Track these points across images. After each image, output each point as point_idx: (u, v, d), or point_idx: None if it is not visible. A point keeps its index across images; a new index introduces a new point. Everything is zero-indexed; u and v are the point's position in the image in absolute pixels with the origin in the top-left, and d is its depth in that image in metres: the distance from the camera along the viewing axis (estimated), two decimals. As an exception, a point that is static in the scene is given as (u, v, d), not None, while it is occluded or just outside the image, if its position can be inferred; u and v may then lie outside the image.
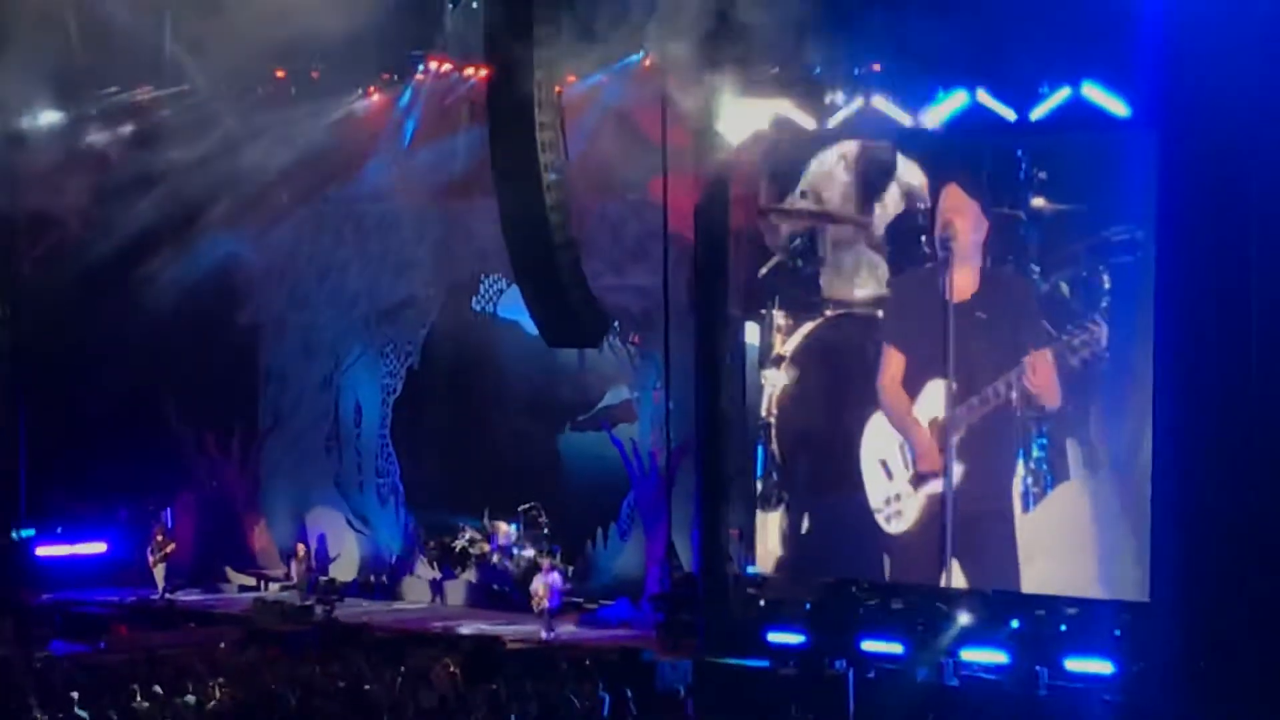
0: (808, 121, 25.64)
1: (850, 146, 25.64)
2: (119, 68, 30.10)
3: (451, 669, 22.62)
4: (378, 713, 20.11)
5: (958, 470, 24.65)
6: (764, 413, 26.53)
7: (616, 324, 28.44)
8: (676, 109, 25.45)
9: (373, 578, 31.83)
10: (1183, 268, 21.10)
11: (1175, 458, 21.07)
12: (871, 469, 25.45)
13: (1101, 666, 22.14)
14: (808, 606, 24.86)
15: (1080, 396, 23.67)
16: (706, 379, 25.97)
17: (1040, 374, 23.84)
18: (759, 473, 26.59)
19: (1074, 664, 22.39)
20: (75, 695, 20.07)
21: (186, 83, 30.43)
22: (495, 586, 30.07)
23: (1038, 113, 23.65)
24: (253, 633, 27.03)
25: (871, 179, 25.48)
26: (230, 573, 33.00)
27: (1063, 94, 23.33)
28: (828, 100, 25.37)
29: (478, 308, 31.37)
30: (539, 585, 27.55)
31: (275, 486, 33.55)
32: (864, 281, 25.65)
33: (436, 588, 30.93)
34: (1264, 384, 20.61)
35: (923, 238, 24.93)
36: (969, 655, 23.19)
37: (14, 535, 32.01)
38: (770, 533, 26.47)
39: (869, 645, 23.77)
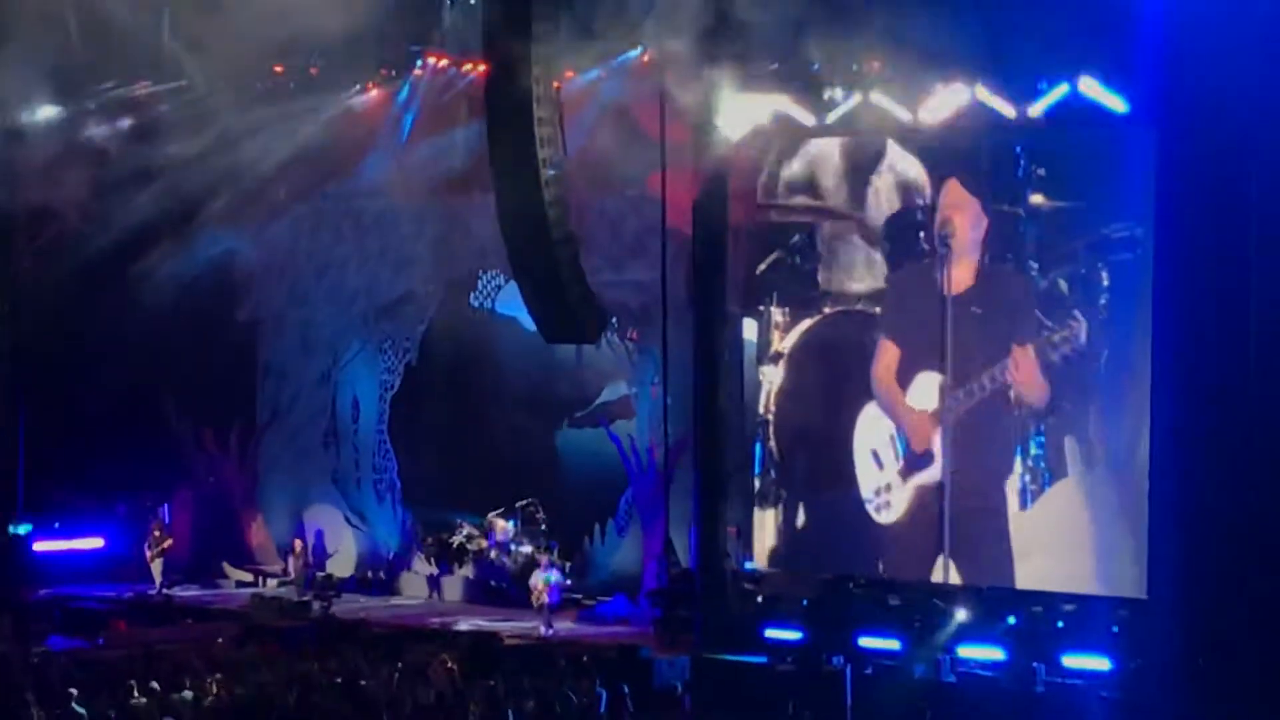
0: (806, 118, 25.61)
1: (849, 143, 25.63)
2: (117, 63, 30.07)
3: (449, 665, 22.60)
4: (375, 709, 20.10)
5: (946, 463, 24.69)
6: (762, 409, 26.52)
7: (614, 320, 28.42)
8: (675, 105, 25.45)
9: (370, 574, 31.83)
10: (1181, 265, 21.10)
11: (1173, 455, 21.08)
12: (863, 459, 25.50)
13: (1099, 663, 22.14)
14: (805, 603, 24.87)
15: (1078, 394, 23.67)
16: (704, 375, 25.97)
17: (1023, 369, 23.91)
18: (757, 469, 26.59)
19: (1071, 660, 22.39)
20: (74, 692, 20.05)
21: (185, 78, 30.40)
22: (493, 583, 30.06)
23: (1036, 109, 23.63)
24: (250, 629, 27.02)
25: (866, 175, 25.48)
26: (228, 568, 32.99)
27: (1061, 90, 23.31)
28: (826, 96, 25.33)
29: (476, 304, 31.37)
30: (538, 581, 27.55)
31: (273, 482, 33.55)
32: (862, 277, 25.65)
33: (434, 584, 30.92)
34: (1262, 381, 20.61)
35: (921, 234, 24.93)
36: (966, 652, 23.20)
37: (12, 530, 31.99)
38: (767, 529, 26.48)
39: (866, 642, 23.77)
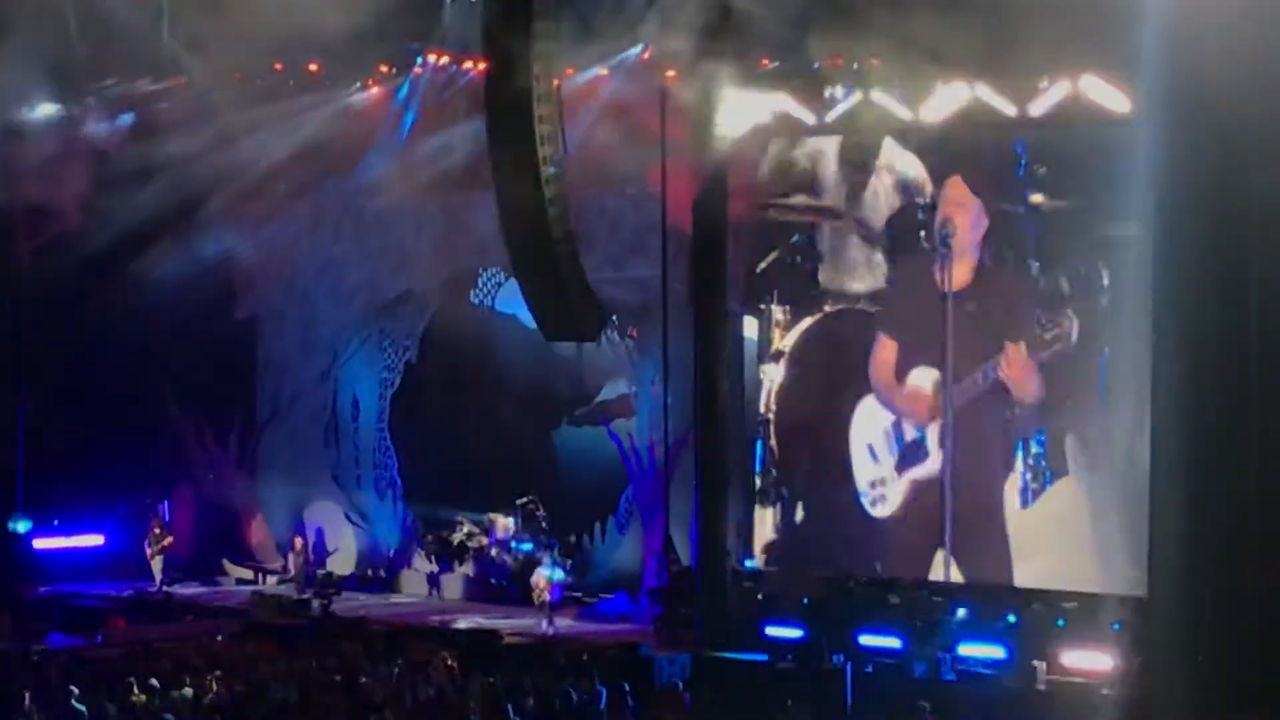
0: (807, 116, 25.61)
1: (849, 141, 25.63)
2: (117, 60, 30.07)
3: (449, 662, 22.62)
4: (375, 706, 20.10)
5: (940, 458, 24.72)
6: (762, 408, 26.53)
7: (614, 318, 28.42)
8: (675, 102, 25.45)
9: (370, 571, 31.84)
10: (1182, 264, 21.04)
11: (1174, 453, 21.03)
12: (859, 452, 25.54)
13: (1099, 661, 22.13)
14: (805, 601, 24.88)
15: (1078, 392, 23.68)
16: (705, 373, 25.98)
17: (1014, 366, 23.97)
18: (757, 467, 26.60)
19: (1071, 658, 22.38)
20: (74, 690, 20.05)
21: (185, 75, 30.39)
22: (493, 580, 30.07)
23: (1037, 108, 23.64)
24: (250, 626, 27.04)
25: (867, 173, 25.48)
26: (228, 566, 33.01)
27: (1063, 89, 23.32)
28: (827, 94, 25.35)
29: (476, 301, 31.37)
30: (540, 579, 27.54)
31: (273, 480, 33.54)
32: (863, 277, 25.67)
33: (434, 581, 30.92)
34: (1262, 380, 20.57)
35: (922, 232, 24.94)
36: (967, 650, 23.20)
37: (11, 528, 31.98)
38: (766, 525, 26.50)
39: (867, 640, 23.78)
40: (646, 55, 26.76)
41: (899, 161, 25.22)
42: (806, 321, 26.26)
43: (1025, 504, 24.13)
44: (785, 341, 26.43)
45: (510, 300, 29.61)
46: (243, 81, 30.33)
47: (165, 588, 31.05)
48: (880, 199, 25.47)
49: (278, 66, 30.17)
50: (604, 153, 27.60)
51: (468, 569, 30.55)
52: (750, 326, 26.68)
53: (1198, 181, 20.39)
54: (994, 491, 24.28)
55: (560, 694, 20.98)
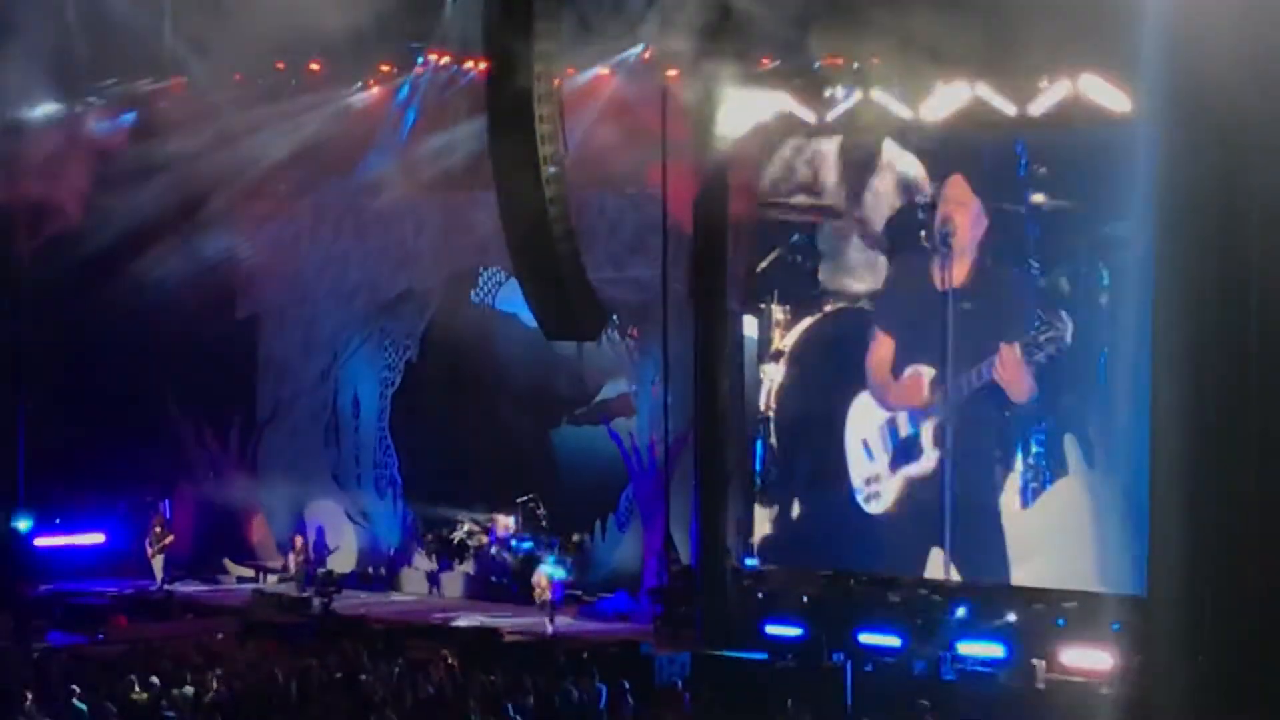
0: (807, 115, 25.62)
1: (849, 141, 25.64)
2: (119, 58, 30.08)
3: (449, 661, 22.63)
4: (375, 704, 20.11)
5: (935, 456, 24.77)
6: (763, 407, 26.55)
7: (615, 317, 28.43)
8: (676, 102, 25.45)
9: (371, 570, 31.85)
10: (1182, 263, 21.07)
11: (1174, 453, 21.06)
12: (854, 449, 25.57)
13: (1099, 661, 22.14)
14: (805, 600, 24.89)
15: (1078, 392, 23.70)
16: (705, 373, 25.99)
17: (1009, 368, 23.99)
18: (758, 466, 26.62)
19: (1071, 658, 22.39)
20: (75, 689, 20.06)
21: (186, 74, 30.42)
22: (493, 579, 30.08)
23: (1038, 107, 23.65)
24: (251, 625, 27.05)
25: (868, 173, 25.49)
26: (229, 564, 33.01)
27: (1063, 88, 23.33)
28: (827, 94, 25.35)
29: (477, 300, 31.37)
30: (541, 577, 27.54)
31: (274, 478, 33.52)
32: (863, 276, 25.68)
33: (434, 580, 30.93)
34: (1262, 380, 20.60)
35: (922, 232, 24.95)
36: (966, 649, 23.21)
37: (13, 526, 32.00)
38: (766, 525, 26.52)
39: (866, 638, 23.80)
40: (647, 55, 26.77)
41: (899, 161, 25.23)
42: (807, 321, 26.27)
43: (1025, 504, 24.14)
44: (785, 341, 26.44)
45: (511, 299, 29.62)
46: (244, 81, 30.35)
47: (166, 586, 31.05)
48: (881, 198, 25.48)
49: (279, 66, 30.19)
50: (604, 152, 27.60)
51: (468, 567, 30.56)
52: (750, 326, 26.69)
53: (1198, 181, 20.42)
54: (988, 490, 24.31)
55: (560, 693, 20.99)
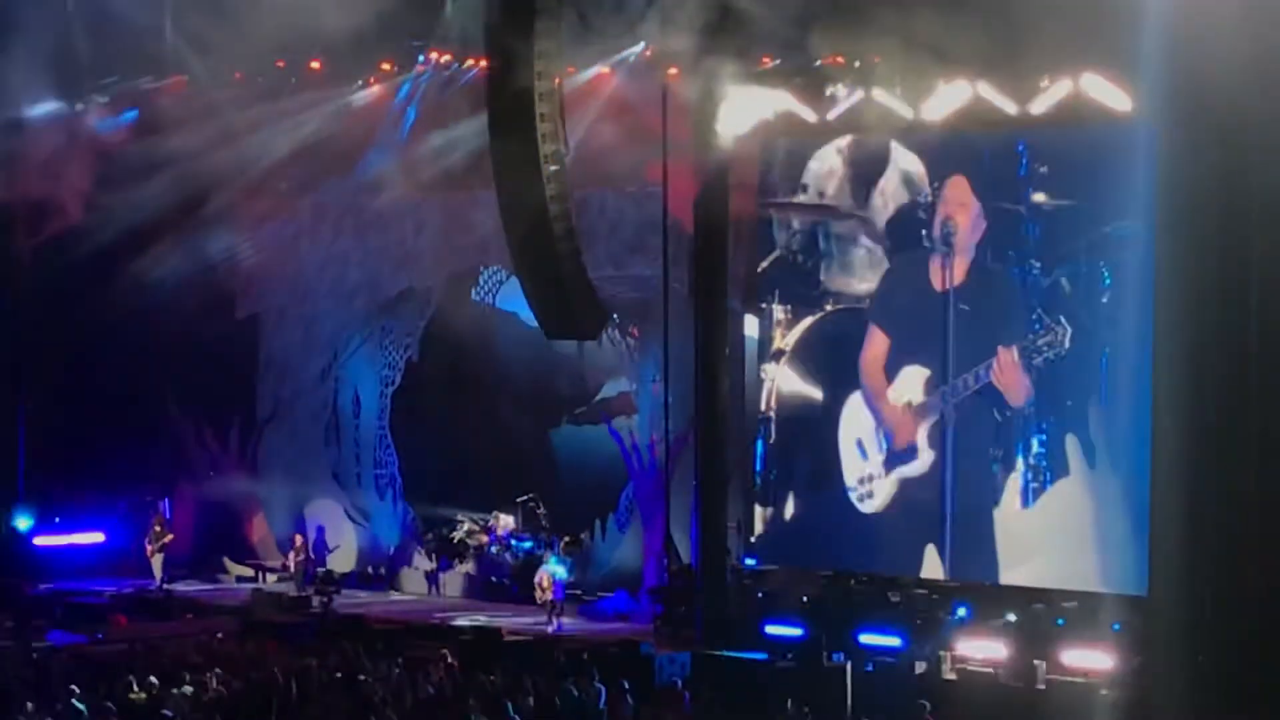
0: (809, 114, 25.60)
1: (851, 140, 25.62)
2: (120, 57, 30.09)
3: (449, 660, 22.61)
4: (375, 704, 20.08)
5: (929, 457, 24.74)
6: (763, 406, 26.53)
7: (615, 316, 28.41)
8: (677, 101, 25.43)
9: (370, 569, 31.83)
10: (1183, 263, 21.05)
11: (1174, 453, 21.04)
12: (848, 448, 25.56)
13: (1100, 661, 22.13)
14: (805, 599, 24.87)
15: (1079, 392, 23.68)
16: (706, 372, 25.97)
17: (1006, 371, 23.98)
18: (758, 466, 26.61)
19: (1072, 658, 22.38)
20: (75, 689, 20.03)
21: (187, 73, 30.42)
22: (493, 578, 30.07)
23: (1039, 106, 23.63)
24: (250, 624, 27.02)
25: (869, 172, 25.47)
26: (228, 564, 33.00)
27: (1064, 88, 23.31)
28: (829, 93, 25.33)
29: (477, 299, 31.36)
30: (544, 576, 27.53)
31: (274, 478, 33.52)
32: (865, 276, 25.66)
33: (434, 579, 30.92)
34: (1262, 380, 20.57)
35: (923, 231, 24.93)
36: (966, 649, 23.19)
37: (13, 525, 32.01)
38: (766, 525, 26.52)
39: (867, 638, 23.78)
40: (648, 53, 26.78)
41: (901, 160, 25.20)
42: (808, 320, 26.25)
43: (1026, 504, 24.13)
44: (787, 340, 26.42)
45: (511, 298, 29.61)
46: (244, 80, 30.35)
47: (166, 585, 31.03)
48: (882, 198, 25.45)
49: (279, 64, 30.20)
50: (605, 151, 27.61)
51: (468, 567, 30.55)
52: (751, 325, 26.68)
53: (1199, 180, 20.40)
54: (986, 491, 24.30)
55: (560, 692, 20.97)
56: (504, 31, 23.56)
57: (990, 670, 22.78)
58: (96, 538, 32.80)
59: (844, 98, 25.18)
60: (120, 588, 30.75)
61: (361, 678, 21.35)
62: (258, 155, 30.83)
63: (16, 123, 30.45)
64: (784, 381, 26.39)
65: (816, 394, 26.15)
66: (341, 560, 32.01)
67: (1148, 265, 22.23)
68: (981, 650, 23.08)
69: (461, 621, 27.67)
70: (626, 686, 21.40)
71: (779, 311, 26.51)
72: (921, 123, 24.61)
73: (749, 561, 26.54)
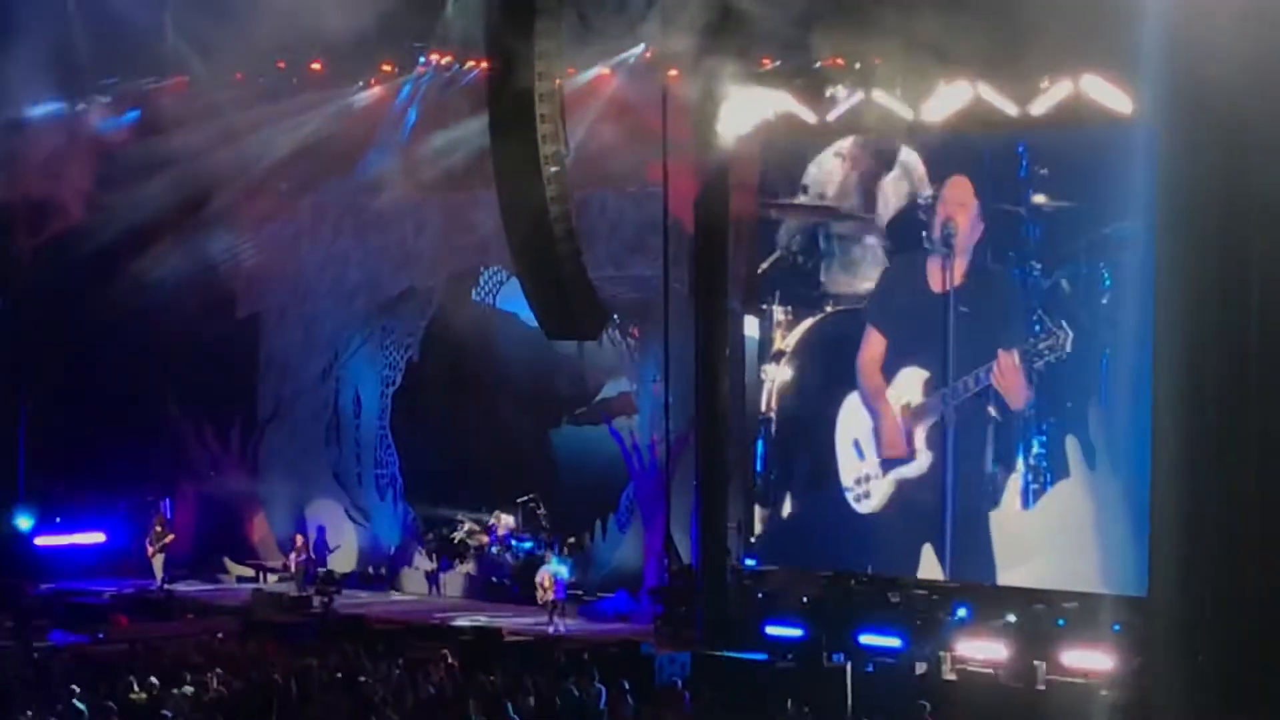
0: (808, 115, 25.61)
1: (851, 141, 25.63)
2: (121, 57, 30.10)
3: (449, 661, 22.62)
4: (375, 704, 20.09)
5: (927, 458, 24.76)
6: (764, 407, 26.54)
7: (615, 316, 28.43)
8: (677, 102, 25.44)
9: (371, 569, 31.85)
10: (1183, 264, 21.05)
11: (1174, 453, 21.05)
12: (844, 448, 25.57)
13: (1100, 662, 22.14)
14: (806, 600, 24.88)
15: (1079, 393, 23.69)
16: (706, 372, 25.98)
17: (1007, 375, 23.99)
18: (758, 467, 26.62)
19: (1072, 659, 22.39)
20: (75, 688, 20.04)
21: (188, 73, 30.43)
22: (494, 579, 30.08)
23: (1039, 107, 23.63)
24: (251, 624, 27.04)
25: (869, 173, 25.48)
26: (229, 564, 33.02)
27: (1064, 89, 23.32)
28: (829, 94, 25.34)
29: (478, 299, 31.37)
30: (545, 575, 27.54)
31: (274, 478, 33.55)
32: (866, 276, 25.66)
33: (434, 580, 30.93)
34: (1262, 380, 20.58)
35: (924, 233, 24.94)
36: (966, 649, 23.19)
37: (13, 525, 32.02)
38: (766, 525, 26.53)
39: (867, 639, 23.78)
40: (648, 54, 26.78)
41: (901, 162, 25.20)
42: (808, 322, 26.25)
43: (1026, 505, 24.14)
44: (787, 342, 26.43)
45: (512, 298, 29.63)
46: (245, 80, 30.36)
47: (166, 585, 31.05)
48: (882, 199, 25.46)
49: (280, 65, 30.21)
50: (606, 151, 27.63)
51: (468, 567, 30.57)
52: (751, 326, 26.69)
53: (1199, 182, 20.40)
54: (985, 492, 24.31)
55: (561, 692, 20.98)
56: (504, 32, 23.57)
57: (990, 671, 22.77)
58: (97, 538, 32.81)
59: (844, 99, 25.19)
60: (121, 588, 30.77)
61: (362, 678, 21.35)
62: (258, 155, 30.86)
63: (17, 122, 30.46)
64: (784, 382, 26.40)
65: (816, 395, 26.15)
66: (342, 560, 32.03)
67: (1148, 266, 22.23)
68: (982, 651, 23.08)
69: (462, 622, 27.70)
70: (627, 687, 21.41)
71: (779, 312, 26.52)
72: (922, 124, 24.62)
73: (749, 562, 26.55)
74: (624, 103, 27.87)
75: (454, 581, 30.75)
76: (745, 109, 25.45)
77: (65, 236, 31.54)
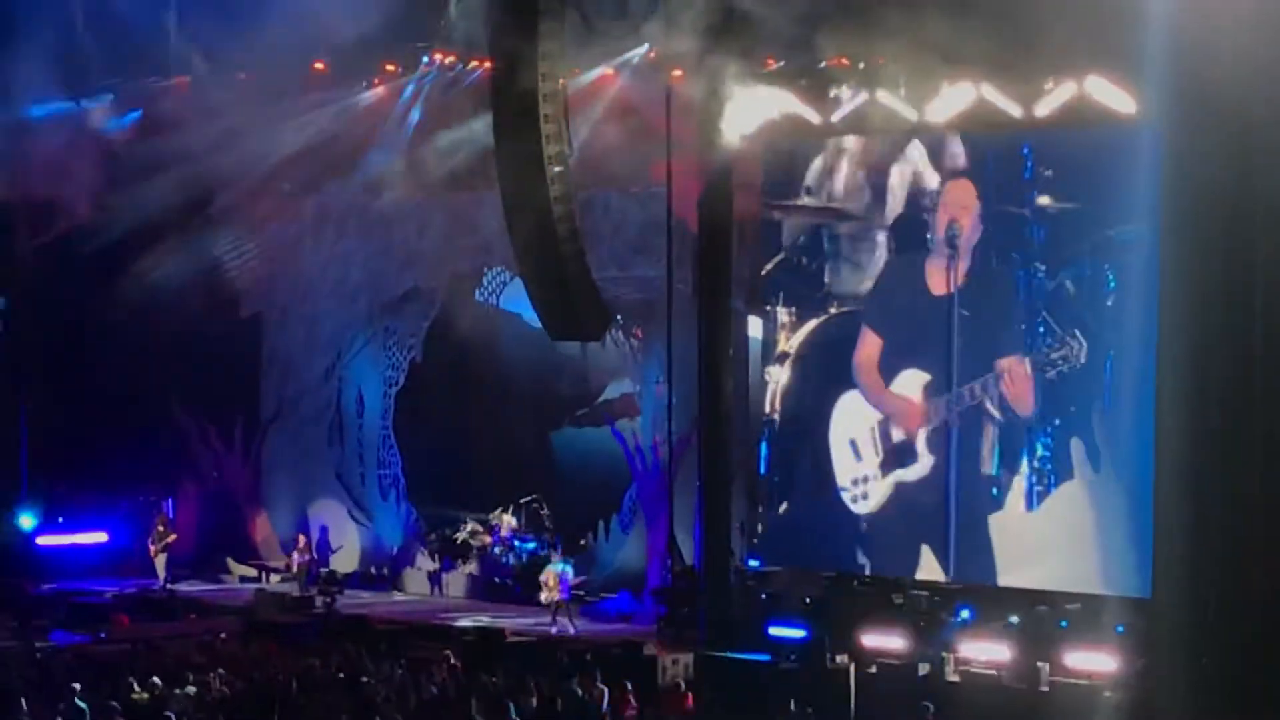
0: (813, 115, 25.58)
1: (855, 142, 25.61)
2: (125, 57, 30.13)
3: (452, 661, 22.62)
4: (378, 704, 20.08)
5: (929, 461, 24.77)
6: (767, 408, 26.52)
7: (619, 317, 28.42)
8: (681, 102, 25.43)
9: (374, 569, 31.85)
10: (1187, 266, 21.03)
11: (1178, 456, 21.03)
12: (840, 448, 25.55)
13: (1103, 663, 22.12)
14: (809, 601, 24.86)
15: (1082, 398, 23.67)
16: (709, 373, 25.95)
17: (1018, 383, 23.94)
18: (761, 468, 26.60)
19: (1075, 660, 22.37)
20: (76, 686, 20.04)
21: (192, 73, 30.45)
22: (496, 579, 30.08)
23: (1043, 109, 23.61)
24: (253, 624, 27.05)
25: (873, 174, 25.45)
26: (231, 564, 33.03)
27: (1069, 90, 23.29)
28: (833, 94, 25.31)
29: (481, 300, 31.37)
30: (549, 575, 27.54)
31: (277, 478, 33.58)
32: (869, 278, 25.63)
33: (437, 580, 30.92)
34: (1267, 383, 20.55)
35: (927, 234, 24.92)
36: (970, 651, 23.17)
37: (16, 525, 32.02)
38: (769, 526, 26.52)
39: (870, 640, 23.75)
40: (652, 54, 26.78)
41: (905, 162, 25.18)
42: (812, 323, 26.22)
43: (1030, 507, 24.10)
44: (791, 343, 26.40)
45: (515, 299, 29.62)
46: (249, 80, 30.37)
47: (169, 585, 31.06)
48: (886, 200, 25.43)
49: (284, 65, 30.19)
50: (609, 152, 27.64)
51: (471, 567, 30.56)
52: (755, 327, 26.67)
53: (1204, 184, 20.36)
54: (988, 495, 24.29)
55: (563, 693, 20.97)
56: (508, 33, 23.57)
57: (993, 672, 22.74)
58: (99, 537, 32.83)
59: (849, 99, 25.16)
60: (123, 587, 30.79)
61: (364, 678, 21.36)
62: (262, 155, 30.87)
63: (22, 122, 30.47)
64: (787, 383, 26.38)
65: (820, 396, 26.13)
66: (344, 560, 32.03)
67: (1152, 268, 22.17)
68: (985, 652, 23.05)
69: (464, 622, 27.70)
70: (630, 687, 21.40)
71: (783, 313, 26.50)
72: (926, 124, 24.60)
73: (752, 562, 26.53)
74: (628, 103, 27.88)
75: (456, 582, 30.74)
76: (749, 109, 25.43)
77: (68, 236, 31.59)
